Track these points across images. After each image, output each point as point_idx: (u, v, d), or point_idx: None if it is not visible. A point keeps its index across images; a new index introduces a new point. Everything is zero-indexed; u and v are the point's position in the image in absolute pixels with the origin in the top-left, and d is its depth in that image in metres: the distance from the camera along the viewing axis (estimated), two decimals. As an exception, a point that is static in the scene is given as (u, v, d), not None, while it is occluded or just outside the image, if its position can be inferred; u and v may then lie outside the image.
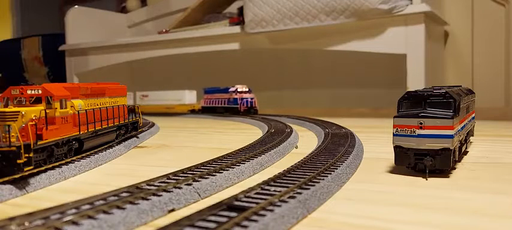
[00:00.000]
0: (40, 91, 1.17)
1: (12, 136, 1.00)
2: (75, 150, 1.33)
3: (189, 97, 3.66)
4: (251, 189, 0.87)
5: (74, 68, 4.18)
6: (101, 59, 4.06)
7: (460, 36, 3.35)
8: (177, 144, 1.87)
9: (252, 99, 3.09)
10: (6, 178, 0.99)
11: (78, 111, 1.32)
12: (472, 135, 1.57)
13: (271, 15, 2.92)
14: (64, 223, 0.69)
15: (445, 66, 3.39)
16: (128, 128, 1.78)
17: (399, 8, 2.59)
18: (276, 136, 1.69)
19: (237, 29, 3.26)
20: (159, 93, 3.78)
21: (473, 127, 1.58)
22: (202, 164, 1.16)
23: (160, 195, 0.86)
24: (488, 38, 3.24)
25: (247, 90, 3.15)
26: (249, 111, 3.05)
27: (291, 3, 2.84)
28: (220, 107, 3.26)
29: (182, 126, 2.77)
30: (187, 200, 0.90)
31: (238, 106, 3.06)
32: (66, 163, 1.22)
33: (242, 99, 3.07)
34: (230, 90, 3.17)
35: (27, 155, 1.00)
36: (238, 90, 3.13)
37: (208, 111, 3.41)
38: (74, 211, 0.75)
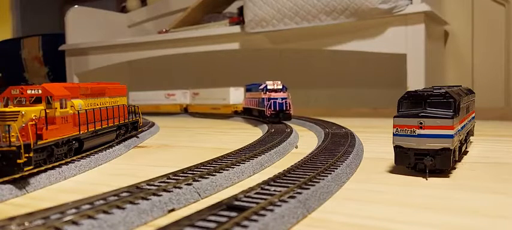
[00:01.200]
0: (40, 91, 1.17)
1: (12, 136, 1.00)
2: (75, 149, 1.33)
3: (234, 95, 3.10)
4: (251, 189, 0.87)
5: (74, 68, 4.18)
6: (101, 59, 4.06)
7: (460, 36, 3.35)
8: (177, 143, 1.87)
9: (283, 99, 2.32)
10: (6, 178, 0.99)
11: (78, 110, 1.32)
12: (472, 135, 1.57)
13: (271, 15, 2.92)
14: (64, 223, 0.69)
15: (445, 66, 3.39)
16: (128, 128, 1.78)
17: (399, 7, 2.59)
18: (276, 136, 1.69)
19: (237, 28, 3.25)
20: (207, 90, 3.37)
21: (473, 127, 1.58)
22: (202, 164, 1.16)
23: (161, 195, 0.86)
24: (488, 38, 3.24)
25: (279, 87, 2.40)
26: (278, 116, 2.30)
27: (291, 3, 2.84)
28: (255, 109, 2.62)
29: (182, 126, 2.77)
30: (187, 200, 0.90)
31: (264, 109, 2.34)
32: (66, 163, 1.22)
33: (270, 99, 2.32)
34: (260, 87, 2.48)
35: (27, 155, 1.00)
36: (267, 87, 2.40)
37: (248, 112, 2.83)
38: (74, 211, 0.75)
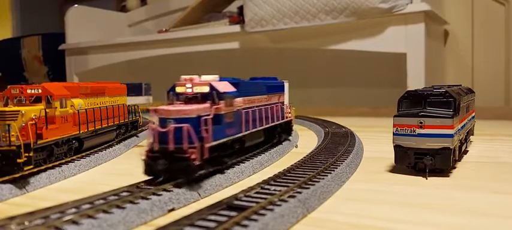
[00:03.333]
0: (40, 91, 1.17)
1: (12, 135, 1.00)
2: (75, 149, 1.33)
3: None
4: (251, 188, 0.87)
5: (73, 67, 4.18)
6: (100, 58, 4.06)
7: (460, 35, 3.35)
8: (177, 143, 1.87)
9: (179, 123, 0.96)
10: (6, 178, 0.99)
11: (78, 110, 1.32)
12: (472, 134, 1.57)
13: (271, 15, 2.92)
14: (64, 223, 0.69)
15: (445, 66, 3.39)
16: (128, 127, 1.78)
17: (399, 7, 2.59)
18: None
19: (237, 28, 3.25)
20: None
21: (473, 126, 1.58)
22: (202, 163, 1.15)
23: (160, 194, 0.86)
24: (488, 37, 3.24)
25: (202, 90, 1.05)
26: (154, 167, 0.96)
27: (291, 2, 2.84)
28: None
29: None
30: (187, 199, 0.89)
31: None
32: (66, 163, 1.21)
33: (163, 121, 0.99)
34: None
35: (27, 154, 1.00)
36: (176, 90, 1.08)
37: None
38: (73, 210, 0.75)
